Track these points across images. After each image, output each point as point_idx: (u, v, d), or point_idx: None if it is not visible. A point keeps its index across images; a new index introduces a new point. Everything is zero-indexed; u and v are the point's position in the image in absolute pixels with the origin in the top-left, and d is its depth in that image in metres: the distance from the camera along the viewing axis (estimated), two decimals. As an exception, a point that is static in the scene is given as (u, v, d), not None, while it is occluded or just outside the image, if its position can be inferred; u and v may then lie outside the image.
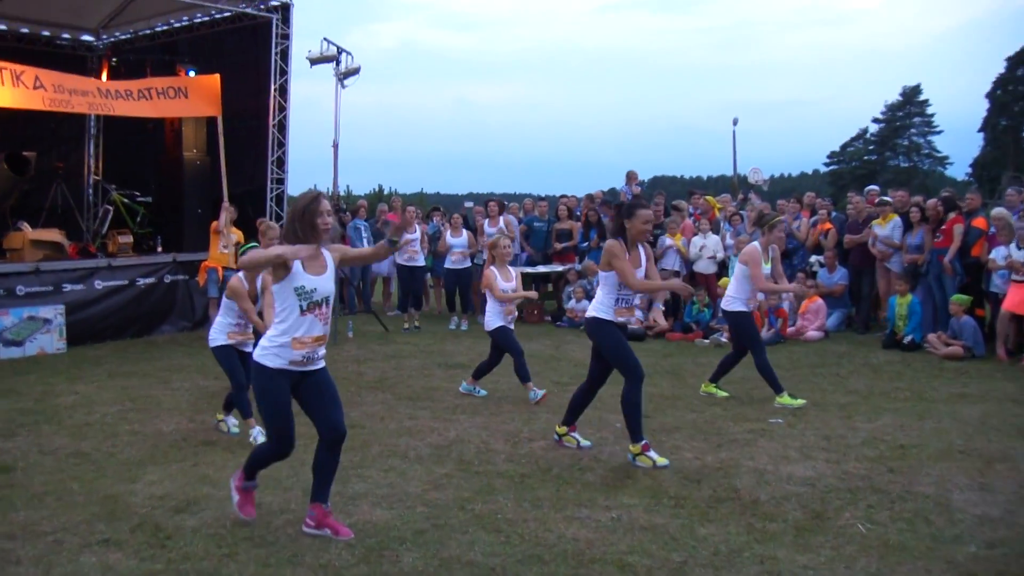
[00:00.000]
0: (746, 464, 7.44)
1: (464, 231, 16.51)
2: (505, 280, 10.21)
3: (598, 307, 7.59)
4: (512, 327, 10.19)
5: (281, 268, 5.67)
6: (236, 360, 8.46)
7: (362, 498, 6.63)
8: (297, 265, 5.69)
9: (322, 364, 5.93)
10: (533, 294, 11.29)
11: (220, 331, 8.59)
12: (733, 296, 9.83)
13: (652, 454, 7.44)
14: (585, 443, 8.03)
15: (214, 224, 14.61)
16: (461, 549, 5.68)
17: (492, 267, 10.26)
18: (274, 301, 5.82)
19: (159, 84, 15.07)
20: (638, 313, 14.92)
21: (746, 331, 9.85)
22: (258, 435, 8.22)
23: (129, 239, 16.07)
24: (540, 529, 6.00)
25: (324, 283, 5.80)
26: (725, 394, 10.10)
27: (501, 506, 6.46)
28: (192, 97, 15.10)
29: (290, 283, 5.69)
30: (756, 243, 9.79)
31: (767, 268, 9.75)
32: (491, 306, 10.16)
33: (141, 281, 14.96)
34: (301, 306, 5.70)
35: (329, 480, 6.00)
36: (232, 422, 8.72)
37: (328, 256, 5.90)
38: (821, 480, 6.99)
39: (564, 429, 8.10)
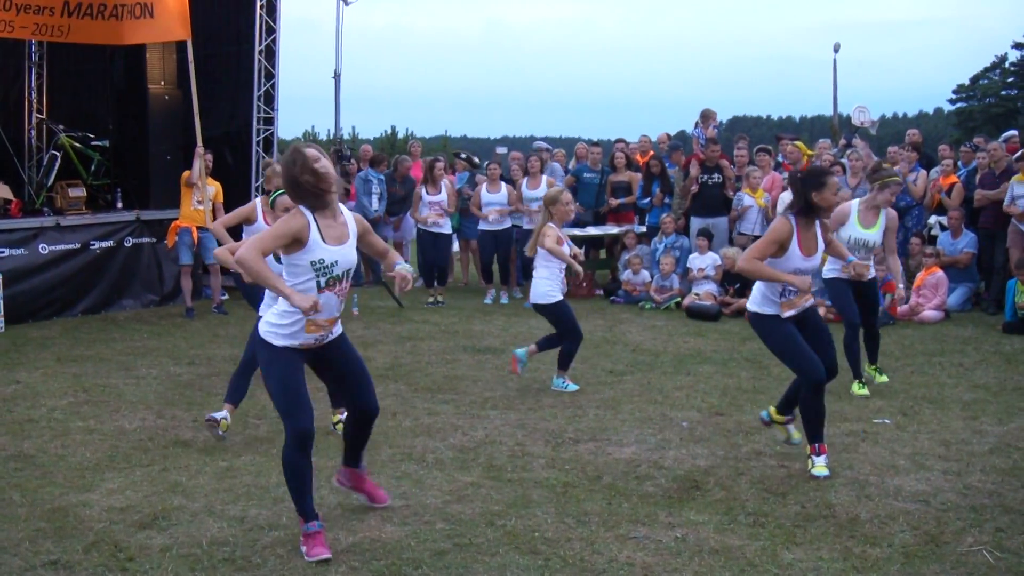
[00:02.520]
0: (844, 474, 7.46)
1: (503, 185, 16.50)
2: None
3: (757, 299, 7.64)
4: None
5: (295, 243, 5.85)
6: None
7: (369, 511, 6.71)
8: (314, 232, 5.85)
9: (339, 331, 6.23)
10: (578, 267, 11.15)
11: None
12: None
13: (819, 459, 7.53)
14: (796, 439, 8.03)
15: (186, 174, 14.69)
16: (490, 574, 5.75)
17: (551, 223, 10.22)
18: (284, 274, 5.98)
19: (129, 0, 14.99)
20: (712, 287, 14.93)
21: (836, 300, 10.15)
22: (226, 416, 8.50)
23: (81, 192, 16.05)
24: (587, 551, 6.06)
25: (346, 254, 6.01)
26: (885, 379, 10.33)
27: (539, 522, 6.52)
28: (158, 16, 14.99)
29: (305, 256, 5.86)
30: (854, 202, 9.91)
31: (870, 234, 9.83)
32: (546, 274, 10.17)
33: (96, 244, 15.09)
34: (319, 283, 5.91)
35: (361, 448, 6.60)
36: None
37: (350, 219, 6.09)
38: (937, 496, 7.00)
39: (781, 418, 8.16)
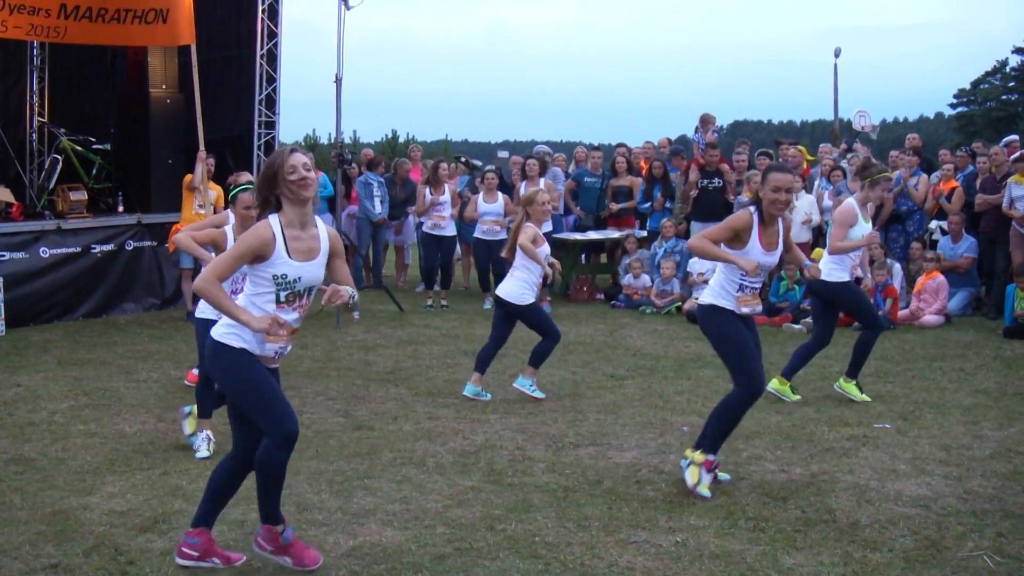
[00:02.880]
0: (844, 479, 7.47)
1: (500, 195, 16.39)
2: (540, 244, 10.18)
3: (713, 290, 7.49)
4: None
5: (257, 258, 5.63)
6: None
7: (369, 515, 6.72)
8: (279, 246, 5.62)
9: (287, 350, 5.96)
10: (554, 267, 10.64)
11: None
12: (832, 264, 9.86)
13: (706, 476, 7.22)
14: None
15: (188, 178, 14.71)
16: (490, 579, 5.76)
17: (529, 223, 10.14)
18: (246, 282, 5.80)
19: (137, 5, 14.95)
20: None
21: (853, 303, 10.07)
22: (203, 443, 8.24)
23: (83, 196, 16.05)
24: (587, 555, 6.07)
25: (311, 271, 5.75)
26: (865, 398, 10.04)
27: (540, 526, 6.53)
28: (171, 22, 14.94)
29: (268, 268, 5.63)
30: (852, 199, 9.91)
31: (866, 227, 9.82)
32: (521, 276, 10.10)
33: (97, 248, 15.12)
34: (279, 296, 5.69)
35: (218, 504, 6.09)
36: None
37: (323, 235, 5.84)
38: (938, 500, 7.01)
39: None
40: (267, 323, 5.51)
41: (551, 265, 10.26)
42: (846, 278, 9.85)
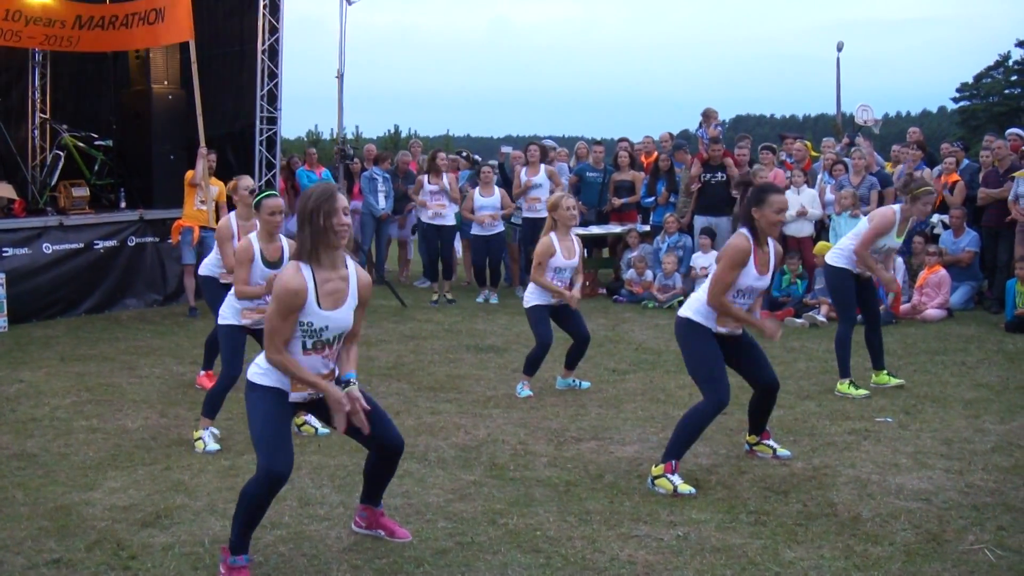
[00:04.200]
0: (845, 473, 7.47)
1: (496, 189, 16.46)
2: (567, 255, 9.95)
3: (694, 306, 7.47)
4: (550, 307, 10.08)
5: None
6: (241, 348, 8.50)
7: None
8: (311, 297, 5.51)
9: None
10: (575, 296, 10.26)
11: (232, 307, 8.56)
12: (839, 249, 10.01)
13: (675, 478, 7.21)
14: (783, 452, 7.94)
15: (189, 174, 14.72)
16: (491, 572, 5.76)
17: (552, 235, 9.98)
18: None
19: (140, 7, 14.99)
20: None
21: (838, 292, 10.11)
22: (207, 438, 8.28)
23: (85, 192, 16.08)
24: (589, 549, 6.08)
25: (340, 318, 5.67)
26: (899, 381, 10.22)
27: (541, 520, 6.54)
28: (168, 20, 14.99)
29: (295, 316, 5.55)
30: (898, 208, 9.89)
31: (898, 242, 10.00)
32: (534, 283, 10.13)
33: (100, 244, 15.15)
34: (305, 344, 5.62)
35: (382, 486, 6.22)
36: (314, 422, 8.65)
37: (353, 278, 5.74)
38: (939, 494, 7.01)
39: (755, 438, 8.06)
40: (345, 402, 5.60)
41: (563, 287, 10.03)
42: (843, 265, 9.93)
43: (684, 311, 7.53)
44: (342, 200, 5.56)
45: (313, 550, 6.07)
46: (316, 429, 8.58)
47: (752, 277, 7.30)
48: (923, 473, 7.44)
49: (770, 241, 7.46)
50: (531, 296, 10.10)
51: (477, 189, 16.46)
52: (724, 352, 7.41)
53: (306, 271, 5.53)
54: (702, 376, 7.39)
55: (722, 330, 7.39)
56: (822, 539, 6.22)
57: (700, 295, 7.47)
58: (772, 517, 6.59)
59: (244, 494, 5.59)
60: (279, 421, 5.63)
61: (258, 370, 5.70)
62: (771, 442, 7.93)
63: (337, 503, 6.81)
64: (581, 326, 10.14)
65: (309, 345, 5.62)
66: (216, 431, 8.41)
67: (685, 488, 7.10)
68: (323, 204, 5.49)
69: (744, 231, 7.34)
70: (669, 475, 7.18)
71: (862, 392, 9.82)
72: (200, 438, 8.26)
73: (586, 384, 10.31)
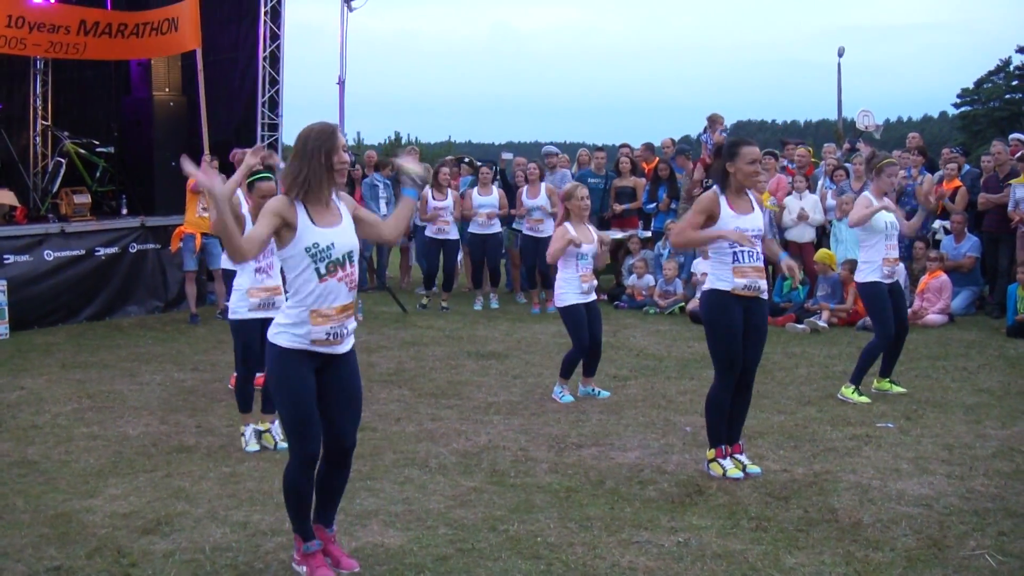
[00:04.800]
0: (846, 478, 7.46)
1: (494, 189, 16.50)
2: (585, 240, 10.01)
3: (712, 275, 7.54)
4: (591, 300, 10.12)
5: (285, 228, 5.48)
6: (256, 340, 8.29)
7: (372, 516, 6.73)
8: (303, 217, 5.48)
9: (351, 343, 5.77)
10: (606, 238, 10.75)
11: (240, 296, 8.52)
12: (863, 264, 10.05)
13: (726, 463, 7.56)
14: (753, 469, 7.74)
15: (191, 181, 14.71)
16: (492, 579, 5.76)
17: (567, 224, 10.07)
18: (284, 270, 5.67)
19: (153, 17, 14.99)
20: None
21: (875, 305, 10.06)
22: (251, 437, 8.38)
23: (86, 199, 16.11)
24: (589, 555, 6.07)
25: (342, 235, 5.59)
26: (901, 389, 10.25)
27: (542, 527, 6.53)
28: (181, 28, 14.97)
29: (298, 243, 5.48)
30: (867, 193, 9.99)
31: (888, 216, 9.91)
32: (563, 275, 10.06)
33: (101, 251, 15.15)
34: (319, 270, 5.51)
35: (332, 500, 5.98)
36: (277, 434, 8.54)
37: (341, 205, 5.71)
38: (940, 499, 7.00)
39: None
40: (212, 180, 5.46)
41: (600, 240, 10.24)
42: (875, 279, 9.89)
43: (706, 285, 7.65)
44: (342, 138, 5.59)
45: (314, 557, 6.05)
46: (276, 443, 8.41)
47: (731, 217, 7.33)
48: (924, 478, 7.44)
49: (749, 192, 7.53)
50: (564, 293, 10.06)
51: (476, 189, 16.53)
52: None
53: (297, 204, 5.52)
54: (720, 357, 7.51)
55: (743, 282, 7.36)
56: (823, 545, 6.21)
57: (711, 262, 7.56)
58: (773, 523, 6.58)
59: (286, 482, 5.71)
60: (305, 403, 5.57)
61: (279, 331, 5.61)
62: (743, 457, 7.76)
63: (338, 509, 6.79)
64: (598, 331, 10.14)
65: (323, 271, 5.52)
66: (259, 428, 8.46)
67: (734, 472, 7.50)
68: (325, 142, 5.52)
69: (714, 187, 7.49)
70: (720, 460, 7.59)
71: (864, 399, 9.81)
72: (243, 434, 8.45)
73: (605, 393, 10.24)
